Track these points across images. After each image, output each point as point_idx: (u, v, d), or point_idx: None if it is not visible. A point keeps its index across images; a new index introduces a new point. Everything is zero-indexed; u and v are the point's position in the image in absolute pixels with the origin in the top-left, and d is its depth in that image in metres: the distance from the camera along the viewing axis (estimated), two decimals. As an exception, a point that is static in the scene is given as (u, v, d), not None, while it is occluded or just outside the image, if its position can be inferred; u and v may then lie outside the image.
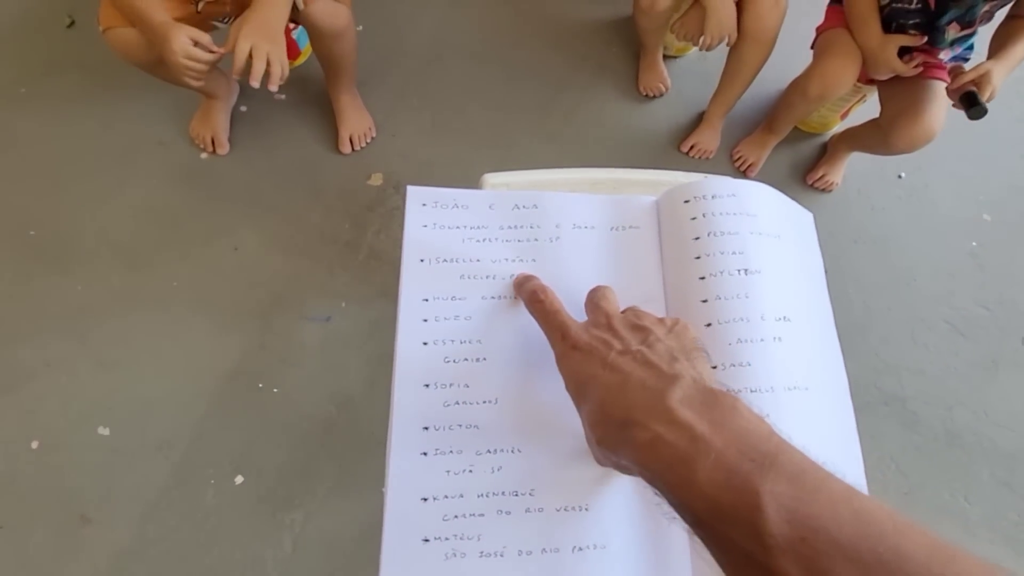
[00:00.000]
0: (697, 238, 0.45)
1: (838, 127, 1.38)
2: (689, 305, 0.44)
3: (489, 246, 0.45)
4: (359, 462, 1.06)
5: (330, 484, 1.04)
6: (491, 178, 0.58)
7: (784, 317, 0.43)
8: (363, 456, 1.05)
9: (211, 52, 0.85)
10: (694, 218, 0.46)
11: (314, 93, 1.33)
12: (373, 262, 1.21)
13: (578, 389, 0.31)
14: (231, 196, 1.24)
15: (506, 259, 0.44)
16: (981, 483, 1.11)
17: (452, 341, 0.41)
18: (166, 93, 1.26)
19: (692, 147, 1.33)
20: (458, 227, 0.45)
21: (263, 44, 0.82)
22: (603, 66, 1.45)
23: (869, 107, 1.29)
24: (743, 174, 1.34)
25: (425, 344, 0.41)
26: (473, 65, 1.42)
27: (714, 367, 0.39)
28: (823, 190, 1.34)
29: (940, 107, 1.03)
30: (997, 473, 1.12)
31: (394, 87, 1.38)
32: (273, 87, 0.85)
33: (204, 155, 1.26)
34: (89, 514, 0.99)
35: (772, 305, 0.42)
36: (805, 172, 1.35)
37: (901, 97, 1.06)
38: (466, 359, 0.41)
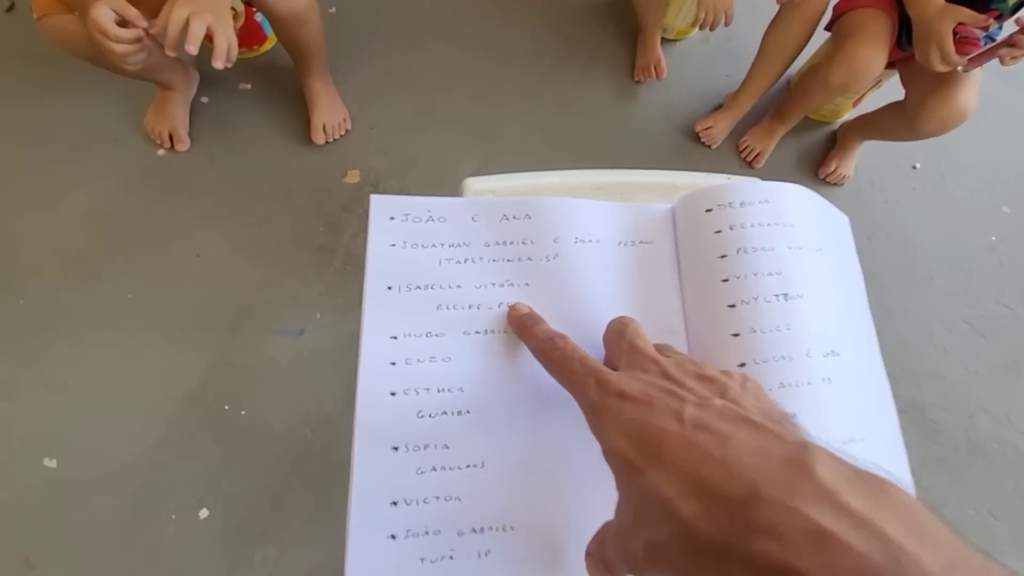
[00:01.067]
0: (724, 256, 0.37)
1: (849, 115, 1.29)
2: (716, 340, 0.36)
3: (473, 268, 0.36)
4: (338, 490, 0.96)
5: (306, 515, 0.95)
6: (474, 183, 0.48)
7: (832, 351, 0.35)
8: (342, 483, 0.94)
9: (136, 27, 0.73)
10: (719, 231, 0.38)
11: (283, 82, 1.22)
12: (350, 268, 1.11)
13: (642, 450, 0.23)
14: (192, 197, 1.12)
15: (493, 283, 0.36)
16: (1006, 495, 1.05)
17: (427, 390, 0.34)
18: (118, 84, 1.14)
19: (706, 129, 1.23)
20: (434, 245, 0.37)
21: (204, 13, 0.71)
22: (598, 51, 1.34)
23: (881, 92, 1.20)
24: (748, 165, 1.24)
25: (393, 395, 0.34)
26: (457, 51, 1.31)
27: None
28: (835, 184, 1.25)
29: (973, 85, 0.94)
30: (1022, 483, 1.06)
31: (371, 75, 1.27)
32: (219, 64, 0.74)
33: (161, 152, 1.15)
34: (33, 557, 0.89)
35: (819, 338, 0.35)
36: (816, 165, 1.27)
37: (930, 76, 0.97)
38: (445, 412, 0.34)
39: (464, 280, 0.36)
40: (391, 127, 1.22)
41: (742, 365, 0.34)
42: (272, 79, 1.23)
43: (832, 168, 1.24)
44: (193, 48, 0.71)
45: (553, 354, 0.29)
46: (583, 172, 0.49)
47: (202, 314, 1.04)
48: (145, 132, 1.15)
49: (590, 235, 0.39)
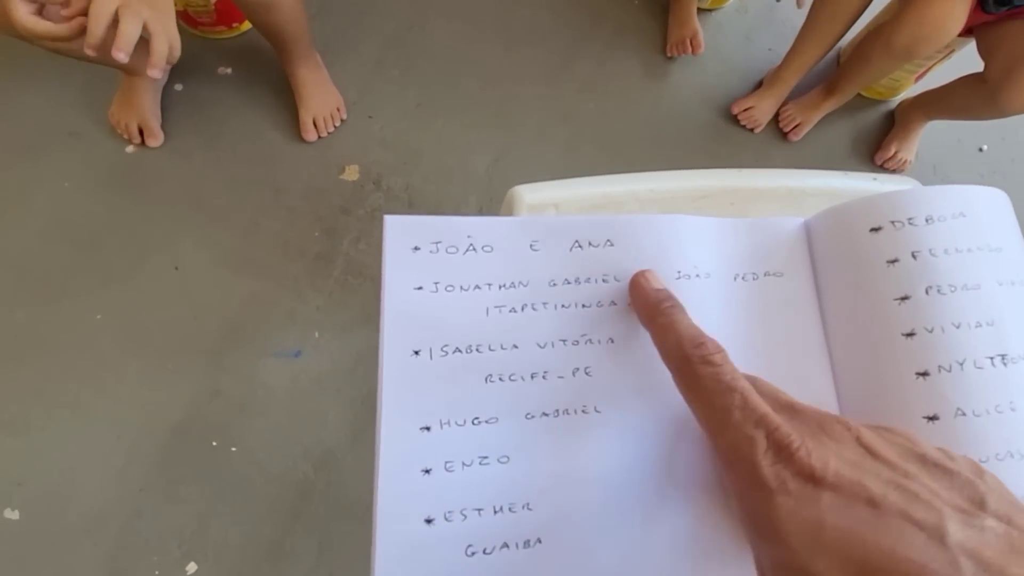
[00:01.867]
0: (905, 298, 0.26)
1: (909, 91, 1.15)
2: (902, 425, 0.25)
3: (535, 318, 0.26)
4: (345, 534, 0.85)
5: (310, 565, 0.83)
6: (528, 193, 0.34)
7: None
8: (349, 526, 0.83)
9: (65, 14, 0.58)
10: (894, 260, 0.27)
11: (268, 65, 1.06)
12: (352, 279, 0.97)
13: None
14: (167, 200, 0.98)
15: (564, 341, 0.26)
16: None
17: (479, 511, 0.24)
18: (78, 71, 0.99)
19: (746, 111, 1.09)
20: (479, 287, 0.26)
21: (140, 6, 0.56)
22: (624, 24, 1.19)
23: (949, 65, 1.06)
24: (784, 136, 1.11)
25: (429, 522, 0.23)
26: (465, 27, 1.16)
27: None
28: (894, 170, 1.11)
29: None
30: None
31: (368, 56, 1.11)
32: (155, 73, 0.60)
33: (130, 148, 1.00)
34: (-5, 627, 0.77)
35: None
36: (871, 149, 1.13)
37: (1016, 41, 0.83)
38: (506, 545, 0.24)
39: (523, 337, 0.25)
40: (392, 115, 1.08)
41: None
42: (255, 62, 1.08)
43: (891, 152, 1.10)
44: (123, 55, 0.56)
45: (701, 371, 0.20)
46: (678, 175, 0.36)
47: (183, 336, 0.91)
48: (111, 126, 1.00)
49: (697, 267, 0.28)
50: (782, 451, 0.17)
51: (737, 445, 0.18)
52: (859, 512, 0.16)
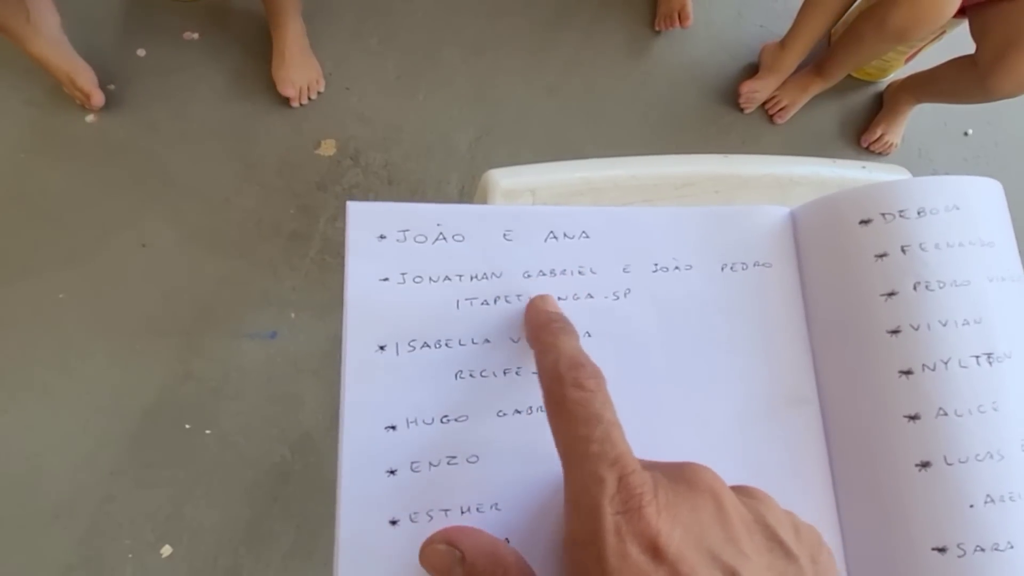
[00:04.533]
0: (892, 294, 0.25)
1: (898, 73, 1.13)
2: (880, 425, 0.25)
3: (508, 312, 0.25)
4: (323, 517, 0.84)
5: (287, 548, 0.82)
6: (503, 178, 0.33)
7: None
8: (328, 508, 0.83)
9: None
10: (883, 255, 0.26)
11: (239, 30, 1.01)
12: (329, 258, 0.94)
13: None
14: (132, 174, 0.94)
15: None
16: None
17: (446, 512, 0.23)
18: (31, 32, 0.92)
19: (753, 93, 1.06)
20: (449, 278, 0.25)
21: None
22: (612, -5, 1.15)
23: (939, 48, 1.04)
24: (769, 119, 1.09)
25: (394, 523, 0.22)
26: (447, -5, 1.11)
27: (940, 550, 0.23)
28: (880, 153, 1.10)
29: None
30: None
31: (345, 25, 1.06)
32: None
33: (90, 118, 0.95)
34: (-38, 613, 0.76)
35: None
36: (861, 131, 1.12)
37: (1010, 23, 0.82)
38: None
39: (496, 331, 0.24)
40: (371, 88, 1.03)
41: (925, 465, 0.24)
42: (225, 26, 1.02)
43: (877, 135, 1.09)
44: None
45: (570, 393, 0.18)
46: (661, 160, 0.34)
47: (152, 317, 0.88)
48: (68, 95, 0.94)
49: (677, 259, 0.27)
50: (630, 501, 0.15)
51: (585, 485, 0.16)
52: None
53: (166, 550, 0.80)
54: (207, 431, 0.85)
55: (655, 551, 0.15)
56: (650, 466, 0.18)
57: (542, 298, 0.24)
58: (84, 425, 0.83)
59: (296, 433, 0.86)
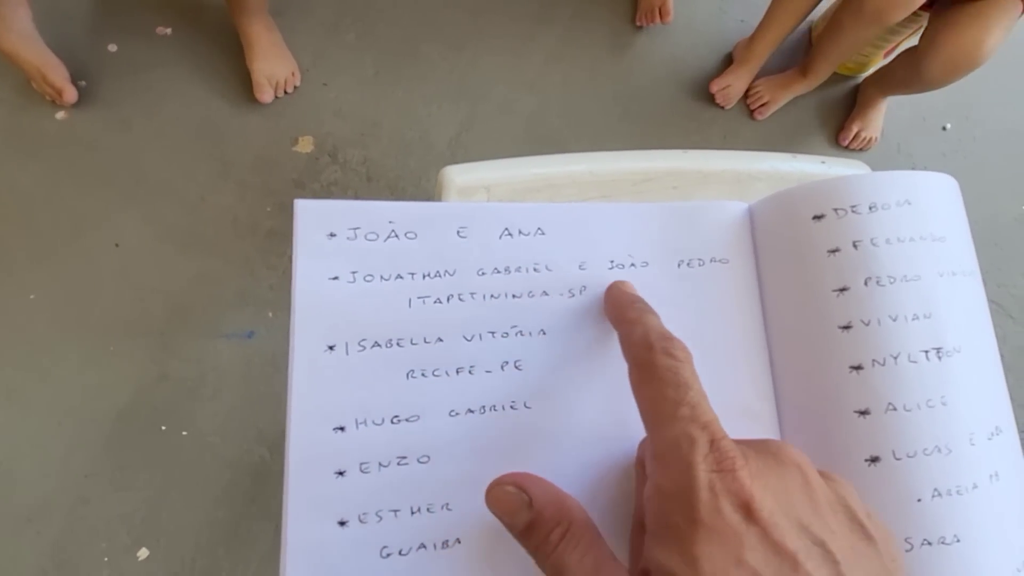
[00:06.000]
0: (844, 289, 0.25)
1: (876, 68, 1.14)
2: (830, 420, 0.25)
3: (461, 310, 0.25)
4: (303, 517, 0.83)
5: (266, 550, 0.82)
6: (457, 174, 0.32)
7: (997, 429, 0.25)
8: (308, 509, 0.82)
9: None
10: (835, 250, 0.26)
11: (213, 24, 0.99)
12: (306, 257, 0.93)
13: None
14: (104, 173, 0.92)
15: (493, 333, 0.25)
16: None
17: (395, 512, 0.22)
18: (-2, 27, 0.90)
19: (723, 89, 1.07)
20: (401, 276, 0.25)
21: None
22: (593, -10, 1.14)
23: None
24: (750, 114, 1.09)
25: (343, 524, 0.22)
26: (426, -11, 1.10)
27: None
28: (861, 149, 1.11)
29: (996, 25, 0.80)
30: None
31: (322, 20, 1.05)
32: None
33: (60, 114, 0.93)
34: (-68, 620, 0.74)
35: (982, 412, 0.25)
36: (839, 127, 1.12)
37: (952, 15, 0.83)
38: (423, 546, 0.23)
39: (449, 329, 0.24)
40: (349, 83, 1.02)
41: (874, 460, 0.24)
42: (199, 21, 1.00)
43: (854, 132, 1.09)
44: None
45: (661, 360, 0.18)
46: (619, 156, 0.34)
47: (126, 317, 0.87)
48: (37, 91, 0.92)
49: (633, 256, 0.27)
50: (723, 463, 0.16)
51: (677, 442, 0.16)
52: (777, 566, 0.15)
53: (143, 553, 0.79)
54: (183, 432, 0.84)
55: (748, 511, 0.15)
56: (741, 441, 0.18)
57: (623, 282, 0.25)
58: (57, 428, 0.82)
59: (275, 433, 0.86)
